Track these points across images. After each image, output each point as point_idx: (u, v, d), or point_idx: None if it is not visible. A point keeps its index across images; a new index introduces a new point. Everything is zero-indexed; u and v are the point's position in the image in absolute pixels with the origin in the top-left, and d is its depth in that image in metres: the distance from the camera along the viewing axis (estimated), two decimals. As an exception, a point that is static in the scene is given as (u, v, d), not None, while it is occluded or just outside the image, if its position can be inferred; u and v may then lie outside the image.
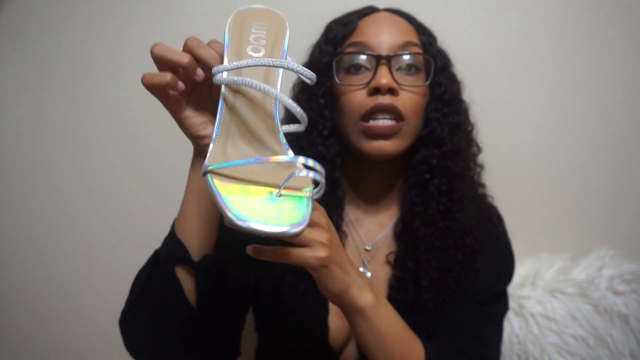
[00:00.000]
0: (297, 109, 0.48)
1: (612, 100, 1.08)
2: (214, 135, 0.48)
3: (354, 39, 0.70)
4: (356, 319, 0.56)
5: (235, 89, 0.50)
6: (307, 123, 0.51)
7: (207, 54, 0.50)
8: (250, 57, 0.51)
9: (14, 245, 1.16)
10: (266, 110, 0.51)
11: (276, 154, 0.48)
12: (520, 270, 1.03)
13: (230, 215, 0.38)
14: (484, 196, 0.80)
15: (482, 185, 0.80)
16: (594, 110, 1.08)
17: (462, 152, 0.73)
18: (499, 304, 0.77)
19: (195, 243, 0.58)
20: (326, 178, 0.71)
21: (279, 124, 0.50)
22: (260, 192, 0.43)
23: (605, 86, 1.07)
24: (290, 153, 0.49)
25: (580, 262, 1.03)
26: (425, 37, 0.73)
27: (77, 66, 1.10)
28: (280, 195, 0.42)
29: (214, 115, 0.55)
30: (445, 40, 1.06)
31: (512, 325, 0.96)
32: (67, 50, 1.10)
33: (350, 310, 0.56)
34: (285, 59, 0.52)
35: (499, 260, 0.77)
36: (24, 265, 1.16)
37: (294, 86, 0.79)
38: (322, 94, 0.71)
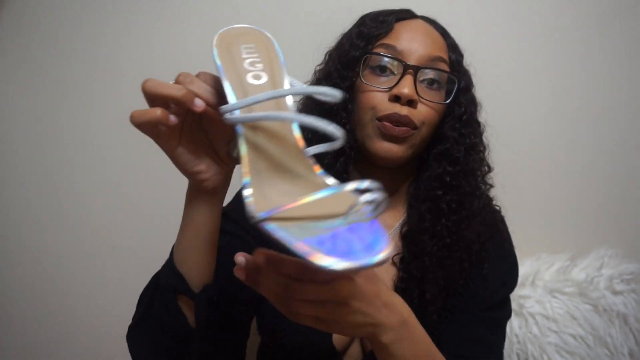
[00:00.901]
0: (329, 128, 0.42)
1: (612, 100, 1.08)
2: (246, 180, 0.43)
3: (387, 40, 0.70)
4: (379, 352, 0.54)
5: (252, 125, 0.45)
6: (343, 138, 0.44)
7: (200, 89, 0.47)
8: (255, 86, 0.47)
9: (14, 244, 1.16)
10: (288, 138, 0.46)
11: (315, 182, 0.45)
12: (520, 270, 1.02)
13: (316, 263, 0.35)
14: (490, 202, 0.79)
15: (489, 198, 0.80)
16: (594, 110, 1.09)
17: (475, 173, 0.74)
18: (503, 310, 0.77)
19: (195, 274, 0.58)
20: (341, 172, 0.70)
21: (306, 149, 0.47)
22: (324, 228, 0.39)
23: (606, 86, 1.08)
24: (330, 179, 0.45)
25: (579, 262, 1.03)
26: (454, 55, 0.74)
27: (78, 66, 1.10)
28: (348, 223, 0.39)
29: (206, 148, 0.53)
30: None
31: (511, 324, 0.96)
32: (67, 50, 1.10)
33: (372, 343, 0.53)
34: (287, 78, 0.48)
35: (504, 265, 0.78)
36: (25, 265, 1.16)
37: (317, 71, 0.79)
38: (346, 88, 0.71)
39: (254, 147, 0.45)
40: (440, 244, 0.71)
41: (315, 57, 0.82)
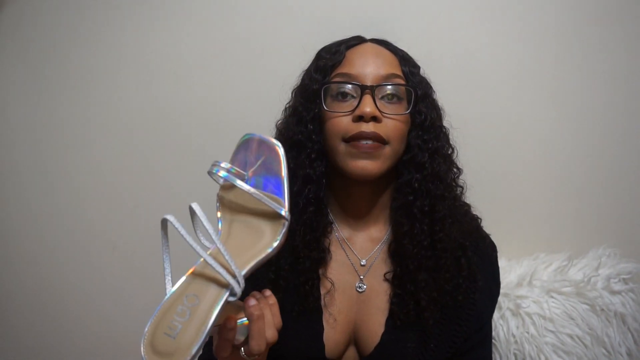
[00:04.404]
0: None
1: (609, 100, 1.08)
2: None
3: (342, 69, 0.75)
4: None
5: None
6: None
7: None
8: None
9: (14, 244, 1.17)
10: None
11: None
12: (518, 270, 1.03)
13: None
14: (467, 212, 0.82)
15: (465, 204, 0.83)
16: (592, 110, 1.09)
17: (442, 176, 0.77)
18: (491, 322, 0.83)
19: None
20: (313, 198, 0.75)
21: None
22: None
23: (603, 86, 1.08)
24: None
25: (577, 261, 1.03)
26: (407, 68, 0.78)
27: (78, 66, 1.11)
28: None
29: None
30: (447, 45, 1.07)
31: (508, 324, 0.97)
32: (67, 51, 1.11)
33: None
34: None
35: (490, 273, 0.82)
36: (25, 265, 1.17)
37: (285, 109, 0.84)
38: (310, 119, 0.76)
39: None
40: (419, 246, 0.74)
41: (308, 56, 0.84)
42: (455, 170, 0.81)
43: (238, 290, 0.48)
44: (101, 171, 1.14)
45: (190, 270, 0.51)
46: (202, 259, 0.49)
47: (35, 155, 1.14)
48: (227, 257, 0.48)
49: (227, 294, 0.48)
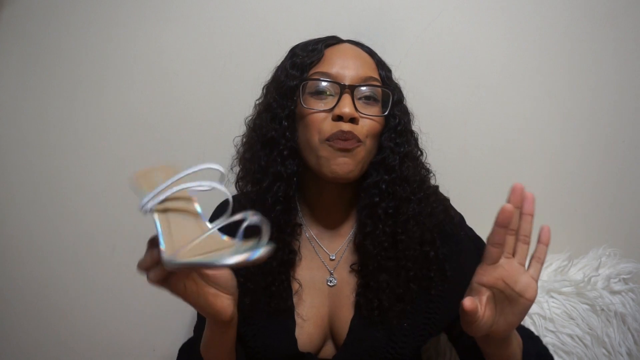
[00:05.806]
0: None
1: (608, 99, 1.08)
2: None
3: (321, 68, 0.75)
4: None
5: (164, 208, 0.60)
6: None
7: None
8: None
9: (15, 244, 1.17)
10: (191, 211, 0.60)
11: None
12: (518, 270, 1.03)
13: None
14: (434, 209, 0.80)
15: (433, 186, 0.83)
16: (591, 109, 1.09)
17: (410, 179, 0.77)
18: None
19: None
20: (282, 197, 0.76)
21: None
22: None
23: (602, 86, 1.08)
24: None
25: (577, 261, 1.03)
26: (383, 72, 0.79)
27: (78, 66, 1.11)
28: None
29: (207, 287, 0.62)
30: (442, 40, 1.07)
31: (509, 324, 0.97)
32: (67, 51, 1.11)
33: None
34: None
35: (467, 253, 0.80)
36: (25, 265, 1.17)
37: (256, 105, 0.83)
38: (285, 116, 0.76)
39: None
40: (380, 247, 0.75)
41: (282, 52, 0.83)
42: (423, 171, 0.81)
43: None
44: (101, 171, 1.14)
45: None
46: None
47: (36, 155, 1.14)
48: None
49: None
